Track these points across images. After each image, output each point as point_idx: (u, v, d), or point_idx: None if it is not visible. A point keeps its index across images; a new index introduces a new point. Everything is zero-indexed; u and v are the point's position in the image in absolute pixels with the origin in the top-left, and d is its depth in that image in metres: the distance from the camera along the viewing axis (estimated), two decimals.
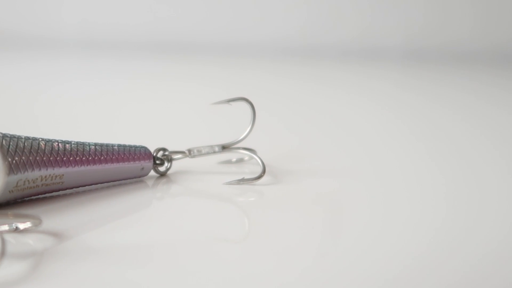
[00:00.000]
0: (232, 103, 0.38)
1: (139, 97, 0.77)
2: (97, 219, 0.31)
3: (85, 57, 1.33)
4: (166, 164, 0.37)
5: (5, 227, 0.26)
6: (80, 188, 0.33)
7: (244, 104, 0.39)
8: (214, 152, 0.38)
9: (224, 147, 0.38)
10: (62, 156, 0.31)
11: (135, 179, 0.36)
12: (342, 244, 0.29)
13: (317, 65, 1.30)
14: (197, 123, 0.61)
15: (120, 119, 0.61)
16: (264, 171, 0.36)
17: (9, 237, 0.27)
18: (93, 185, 0.34)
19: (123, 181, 0.36)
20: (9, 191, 0.29)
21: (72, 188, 0.33)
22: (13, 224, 0.26)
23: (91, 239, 0.28)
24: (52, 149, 0.31)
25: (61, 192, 0.33)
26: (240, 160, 0.41)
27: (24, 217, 0.25)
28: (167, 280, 0.24)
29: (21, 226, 0.26)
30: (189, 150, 0.38)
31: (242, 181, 0.36)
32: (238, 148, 0.38)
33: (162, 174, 0.37)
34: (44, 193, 0.31)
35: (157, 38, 1.51)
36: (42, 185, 0.30)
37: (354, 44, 1.52)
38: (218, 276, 0.25)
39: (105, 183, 0.35)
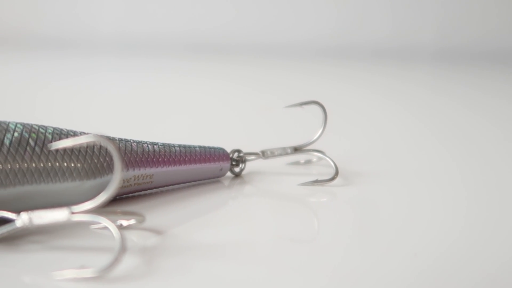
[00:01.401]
0: (304, 106, 0.39)
1: (189, 97, 0.79)
2: (184, 216, 0.33)
3: (125, 56, 1.36)
4: (240, 165, 0.39)
5: (118, 223, 0.28)
6: (165, 187, 0.35)
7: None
8: (287, 154, 0.39)
9: (296, 149, 0.39)
10: (152, 157, 0.33)
11: (212, 179, 0.38)
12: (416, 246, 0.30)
13: (348, 65, 1.31)
14: (246, 124, 0.62)
15: (183, 120, 0.63)
16: (337, 173, 0.37)
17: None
18: (176, 185, 0.36)
19: (201, 181, 0.37)
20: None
21: (158, 187, 0.34)
22: (118, 221, 0.28)
23: (183, 235, 0.29)
24: (143, 150, 0.32)
25: (147, 191, 0.34)
26: (308, 162, 0.42)
27: (131, 214, 0.27)
28: (246, 275, 0.25)
29: (125, 223, 0.28)
30: (263, 152, 0.39)
31: (316, 182, 0.37)
32: (310, 150, 0.39)
33: (237, 175, 0.39)
34: (134, 192, 0.33)
35: (196, 41, 1.54)
36: (134, 184, 0.32)
37: (386, 43, 1.52)
38: (287, 274, 0.26)
39: (186, 183, 0.36)
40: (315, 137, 0.39)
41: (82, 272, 0.23)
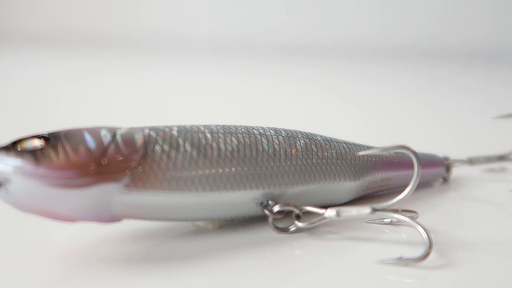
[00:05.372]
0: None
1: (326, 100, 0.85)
2: (426, 216, 0.35)
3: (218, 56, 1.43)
4: (449, 170, 0.42)
5: (388, 220, 0.32)
6: (388, 190, 0.38)
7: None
8: (491, 161, 0.42)
9: (502, 158, 0.42)
10: (395, 162, 0.36)
11: (425, 183, 0.41)
12: None
13: (443, 67, 1.33)
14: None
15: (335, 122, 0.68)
16: None
17: (385, 229, 0.32)
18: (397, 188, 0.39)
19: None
20: (362, 190, 0.35)
21: (390, 189, 0.38)
22: (389, 218, 0.32)
23: (440, 232, 0.32)
24: (388, 155, 0.36)
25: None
26: (503, 169, 0.45)
27: (408, 212, 0.31)
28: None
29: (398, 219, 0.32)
30: (470, 159, 0.42)
31: None
32: None
33: (446, 180, 0.42)
34: (378, 192, 0.37)
35: (288, 42, 1.59)
36: (379, 185, 0.36)
37: (481, 45, 1.51)
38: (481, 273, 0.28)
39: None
40: None
41: (401, 261, 0.27)
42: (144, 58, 1.37)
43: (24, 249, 0.29)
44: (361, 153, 0.33)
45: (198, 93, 0.93)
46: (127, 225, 0.30)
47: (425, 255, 0.27)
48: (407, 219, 0.29)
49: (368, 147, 0.36)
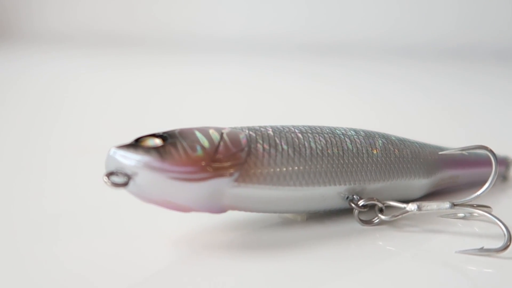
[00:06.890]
0: None
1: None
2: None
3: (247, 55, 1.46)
4: (509, 169, 0.44)
5: (461, 215, 0.35)
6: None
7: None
8: None
9: None
10: (462, 161, 0.39)
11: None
12: None
13: (470, 65, 1.33)
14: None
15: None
16: None
17: (458, 223, 0.35)
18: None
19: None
20: (433, 187, 0.37)
21: (456, 186, 0.40)
22: (463, 213, 0.35)
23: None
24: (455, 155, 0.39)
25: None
26: None
27: (482, 207, 0.33)
28: None
29: (475, 213, 0.34)
30: None
31: None
32: None
33: (505, 178, 0.44)
34: (444, 190, 0.39)
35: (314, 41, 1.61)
36: (446, 183, 0.39)
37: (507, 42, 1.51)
38: None
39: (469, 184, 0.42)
40: None
41: (483, 251, 0.30)
42: (173, 57, 1.40)
43: (139, 235, 0.32)
44: (441, 153, 0.35)
45: (226, 90, 0.96)
46: (223, 216, 0.33)
47: (506, 246, 0.29)
48: (485, 213, 0.31)
49: (438, 147, 0.38)
